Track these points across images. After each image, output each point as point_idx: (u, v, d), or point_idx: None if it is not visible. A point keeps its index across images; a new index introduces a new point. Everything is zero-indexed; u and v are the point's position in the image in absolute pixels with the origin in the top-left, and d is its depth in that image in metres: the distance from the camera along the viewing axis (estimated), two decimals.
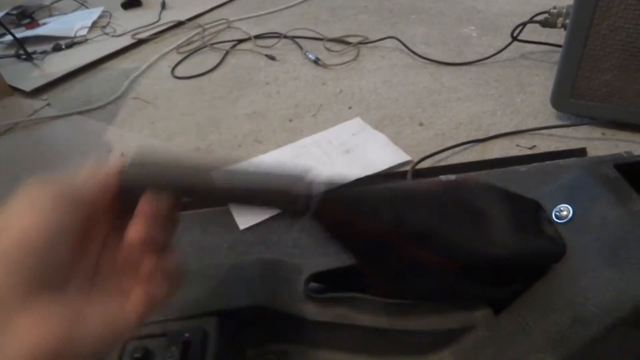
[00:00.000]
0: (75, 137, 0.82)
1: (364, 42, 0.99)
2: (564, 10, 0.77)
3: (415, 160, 0.65)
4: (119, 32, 1.16)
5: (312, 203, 0.29)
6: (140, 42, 1.12)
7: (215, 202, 0.29)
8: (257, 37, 1.07)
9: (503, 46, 0.87)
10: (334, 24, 1.09)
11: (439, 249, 0.31)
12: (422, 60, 0.91)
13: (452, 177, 0.59)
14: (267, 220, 0.58)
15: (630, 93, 0.63)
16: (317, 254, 0.53)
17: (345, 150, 0.69)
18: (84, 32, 1.18)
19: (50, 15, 1.36)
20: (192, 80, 0.94)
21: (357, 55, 0.95)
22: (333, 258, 0.40)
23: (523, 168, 0.60)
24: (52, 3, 1.44)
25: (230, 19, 1.17)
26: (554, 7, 0.78)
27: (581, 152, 0.64)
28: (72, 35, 1.16)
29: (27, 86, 0.97)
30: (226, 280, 0.37)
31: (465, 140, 0.68)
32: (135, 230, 0.27)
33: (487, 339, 0.33)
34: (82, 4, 1.40)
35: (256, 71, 0.95)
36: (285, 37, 1.05)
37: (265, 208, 0.30)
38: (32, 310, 0.22)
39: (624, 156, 0.53)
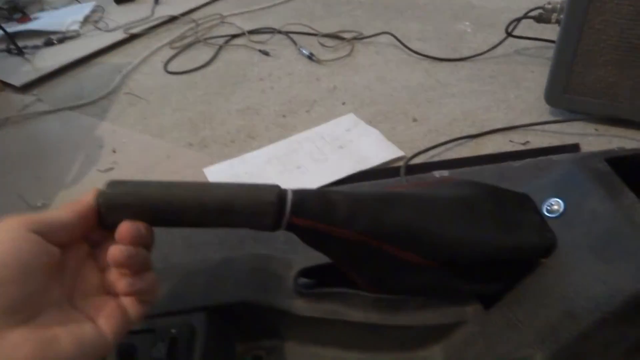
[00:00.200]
0: (66, 133, 0.81)
1: (359, 38, 0.98)
2: (559, 6, 0.77)
3: (409, 155, 0.65)
4: (111, 26, 1.15)
5: (283, 217, 0.29)
6: (132, 37, 1.11)
7: (187, 224, 0.29)
8: (251, 32, 1.06)
9: (497, 42, 0.86)
10: (328, 19, 1.09)
11: (419, 249, 0.30)
12: (416, 56, 0.90)
13: (445, 172, 0.59)
14: None
15: (624, 89, 0.63)
16: (308, 250, 0.53)
17: (339, 146, 0.69)
18: (76, 26, 1.17)
19: (42, 10, 1.34)
20: (185, 75, 0.94)
21: (352, 50, 0.95)
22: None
23: (516, 163, 0.60)
24: None
25: (224, 14, 1.16)
26: (549, 3, 0.78)
27: (574, 147, 0.64)
28: (64, 29, 1.15)
29: (18, 81, 0.96)
30: (214, 275, 0.37)
31: (459, 136, 0.68)
32: (115, 252, 0.28)
33: (477, 334, 0.33)
34: None
35: (250, 67, 0.94)
36: (279, 32, 1.04)
37: (238, 227, 0.30)
38: (4, 338, 0.23)
39: (611, 151, 0.53)
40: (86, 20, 1.21)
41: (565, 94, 0.67)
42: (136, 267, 0.28)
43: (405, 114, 0.75)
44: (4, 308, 0.23)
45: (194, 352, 0.32)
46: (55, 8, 1.35)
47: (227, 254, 0.52)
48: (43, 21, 1.22)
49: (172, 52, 1.02)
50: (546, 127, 0.69)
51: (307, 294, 0.36)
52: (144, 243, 0.29)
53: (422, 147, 0.66)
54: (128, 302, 0.29)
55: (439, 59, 0.88)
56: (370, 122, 0.73)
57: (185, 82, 0.92)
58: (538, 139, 0.67)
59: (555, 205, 0.33)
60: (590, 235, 0.31)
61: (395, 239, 0.30)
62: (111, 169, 0.71)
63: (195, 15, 1.17)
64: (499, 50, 0.87)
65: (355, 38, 0.98)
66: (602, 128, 0.67)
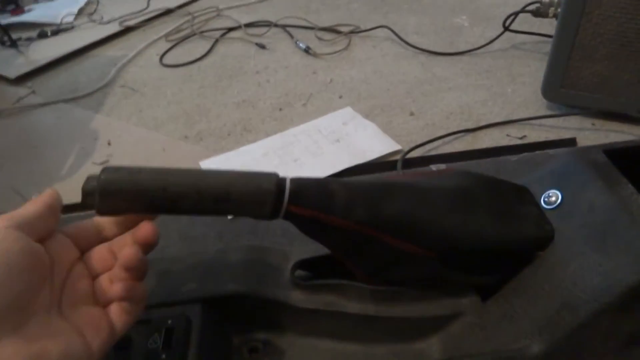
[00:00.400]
0: (61, 126, 0.80)
1: (356, 32, 0.98)
2: (556, 0, 0.76)
3: (406, 149, 0.65)
4: (106, 19, 1.14)
5: (281, 206, 0.29)
6: (128, 30, 1.10)
7: (183, 211, 0.29)
8: (247, 25, 1.05)
9: (495, 36, 0.86)
10: (325, 12, 1.08)
11: (417, 239, 0.30)
12: (413, 50, 0.90)
13: (442, 166, 0.58)
14: None
15: (621, 83, 0.63)
16: (306, 243, 0.53)
17: (336, 140, 0.68)
18: (71, 18, 1.16)
19: (36, 2, 1.33)
20: (181, 68, 0.93)
21: (349, 44, 0.95)
22: (320, 245, 0.39)
23: (513, 158, 0.60)
24: None
25: (220, 7, 1.15)
26: None
27: (571, 142, 0.64)
28: (58, 22, 1.14)
29: (12, 73, 0.94)
30: (211, 266, 0.37)
31: (455, 130, 0.68)
32: (131, 253, 0.27)
33: (474, 325, 0.33)
34: None
35: (246, 60, 0.94)
36: (276, 25, 1.03)
37: (235, 215, 0.29)
38: None
39: (609, 143, 0.53)
40: (81, 12, 1.20)
41: (562, 89, 0.67)
42: (141, 273, 0.28)
43: (402, 107, 0.75)
44: None
45: (189, 343, 0.31)
46: (50, 0, 1.33)
47: (224, 246, 0.52)
48: (37, 13, 1.21)
49: (167, 45, 1.01)
50: (543, 121, 0.69)
51: (303, 286, 0.36)
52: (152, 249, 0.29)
53: (419, 141, 0.65)
54: (115, 314, 0.28)
55: (436, 53, 0.88)
56: (367, 116, 0.73)
57: (181, 75, 0.91)
58: (535, 133, 0.67)
59: (553, 196, 0.33)
60: (588, 227, 0.31)
61: (393, 229, 0.30)
62: (106, 161, 0.70)
63: (191, 8, 1.16)
64: (496, 44, 0.87)
65: (352, 32, 0.98)
66: (599, 122, 0.67)
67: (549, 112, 0.70)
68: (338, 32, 0.99)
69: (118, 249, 0.30)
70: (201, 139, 0.73)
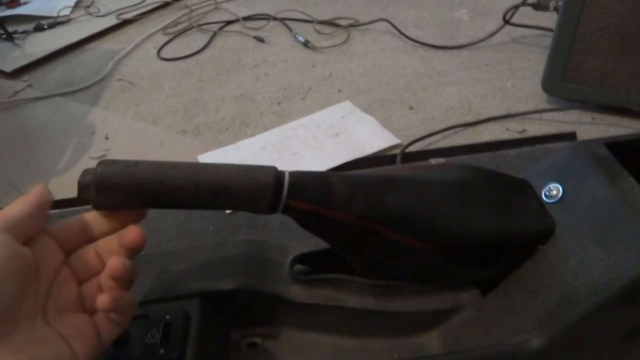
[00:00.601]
0: (57, 119, 0.80)
1: (355, 25, 0.97)
2: None
3: (405, 143, 0.64)
4: (103, 12, 1.13)
5: (280, 200, 0.28)
6: (125, 23, 1.09)
7: (181, 205, 0.28)
8: (246, 18, 1.04)
9: (495, 30, 0.86)
10: (324, 6, 1.07)
11: (417, 233, 0.30)
12: (413, 43, 0.89)
13: (441, 160, 0.58)
14: None
15: (621, 76, 0.63)
16: (304, 237, 0.53)
17: (335, 134, 0.68)
18: (67, 11, 1.15)
19: None
20: (179, 62, 0.92)
21: (348, 38, 0.94)
22: (319, 240, 0.39)
23: (513, 152, 0.60)
24: None
25: (218, 0, 1.14)
26: None
27: (571, 136, 0.64)
28: (55, 14, 1.13)
29: (8, 67, 0.94)
30: (209, 261, 0.36)
31: (455, 124, 0.67)
32: (118, 263, 0.26)
33: (474, 319, 0.33)
34: None
35: (244, 53, 0.93)
36: (275, 19, 1.03)
37: (233, 209, 0.29)
38: None
39: (611, 136, 0.53)
40: (77, 5, 1.19)
41: (562, 82, 0.67)
42: (128, 282, 0.27)
43: (402, 101, 0.75)
44: None
45: (188, 338, 0.31)
46: None
47: (222, 240, 0.51)
48: (33, 6, 1.20)
49: (165, 38, 1.00)
50: (543, 115, 0.68)
51: (302, 280, 0.36)
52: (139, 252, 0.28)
53: (419, 135, 0.65)
54: (103, 323, 0.27)
55: (436, 47, 0.87)
56: (366, 110, 0.73)
57: (179, 68, 0.90)
58: (535, 127, 0.67)
59: (554, 190, 0.33)
60: (589, 220, 0.30)
61: (392, 223, 0.30)
62: (103, 156, 0.70)
63: (189, 1, 1.15)
64: (496, 38, 0.86)
65: (351, 25, 0.97)
66: (599, 116, 0.67)
67: (548, 106, 0.70)
68: (337, 26, 0.98)
69: (104, 251, 0.28)
70: (199, 133, 0.73)
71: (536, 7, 0.78)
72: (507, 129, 0.67)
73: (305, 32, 0.96)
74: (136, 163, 0.28)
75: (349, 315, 0.35)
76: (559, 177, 0.34)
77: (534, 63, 0.80)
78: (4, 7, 1.20)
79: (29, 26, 1.09)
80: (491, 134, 0.66)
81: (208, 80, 0.86)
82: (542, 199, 0.34)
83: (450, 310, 0.34)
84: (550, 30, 0.76)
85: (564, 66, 0.66)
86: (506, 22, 0.84)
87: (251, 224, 0.54)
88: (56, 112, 0.82)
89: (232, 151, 0.67)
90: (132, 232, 0.27)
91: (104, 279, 0.27)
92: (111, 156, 0.70)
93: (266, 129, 0.71)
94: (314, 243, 0.38)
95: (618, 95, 0.64)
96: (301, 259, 0.37)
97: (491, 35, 0.86)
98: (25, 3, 1.23)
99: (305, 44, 0.92)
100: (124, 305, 0.27)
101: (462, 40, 0.88)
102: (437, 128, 0.66)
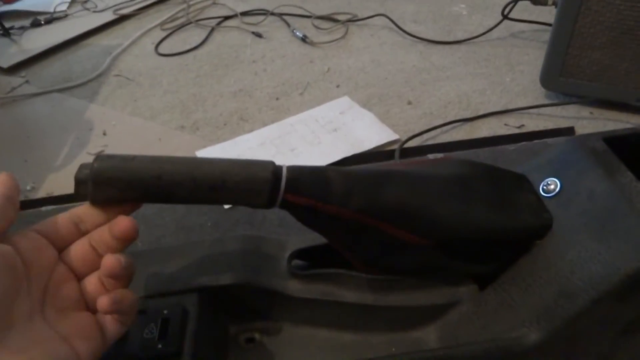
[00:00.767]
0: (55, 115, 0.80)
1: (353, 20, 0.97)
2: None
3: (403, 139, 0.64)
4: (100, 7, 1.13)
5: (277, 195, 0.28)
6: (122, 18, 1.08)
7: (178, 200, 0.28)
8: (244, 14, 1.04)
9: (493, 25, 0.85)
10: (322, 1, 1.07)
11: (414, 228, 0.30)
12: (411, 38, 0.89)
13: (440, 155, 0.58)
14: None
15: (619, 71, 0.63)
16: (303, 233, 0.53)
17: (333, 129, 0.68)
18: (64, 7, 1.14)
19: None
20: (177, 57, 0.92)
21: (346, 33, 0.94)
22: (317, 235, 0.39)
23: (511, 147, 0.60)
24: None
25: None
26: None
27: (569, 131, 0.64)
28: (52, 10, 1.12)
29: (5, 62, 0.93)
30: (207, 256, 0.36)
31: (453, 119, 0.67)
32: (112, 262, 0.25)
33: (472, 314, 0.33)
34: None
35: (242, 49, 0.93)
36: (273, 14, 1.02)
37: (230, 204, 0.29)
38: None
39: (609, 130, 0.53)
40: (74, 0, 1.18)
41: (561, 77, 0.67)
42: (126, 279, 0.27)
43: (400, 97, 0.75)
44: None
45: (186, 333, 0.31)
46: None
47: (220, 235, 0.51)
48: (30, 1, 1.19)
49: (163, 34, 1.00)
50: (541, 110, 0.68)
51: (300, 275, 0.36)
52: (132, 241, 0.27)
53: (417, 130, 0.65)
54: (107, 321, 0.27)
55: (434, 42, 0.87)
56: (364, 105, 0.73)
57: (177, 64, 0.90)
58: (533, 123, 0.67)
59: (551, 184, 0.33)
60: (587, 214, 0.30)
61: (391, 217, 0.30)
62: (101, 152, 0.70)
63: None
64: (495, 33, 0.86)
65: (349, 20, 0.97)
66: (597, 111, 0.67)
67: (547, 101, 0.70)
68: (335, 21, 0.98)
69: (98, 244, 0.27)
70: (197, 129, 0.72)
71: (535, 1, 0.78)
72: (506, 124, 0.67)
73: (304, 27, 0.96)
74: (133, 157, 0.28)
75: (347, 310, 0.35)
76: (557, 171, 0.34)
77: (532, 58, 0.80)
78: (0, 3, 1.20)
79: (26, 22, 1.08)
80: (489, 129, 0.66)
81: (206, 75, 0.85)
82: (540, 194, 0.34)
83: (447, 304, 0.34)
84: (549, 25, 0.76)
85: (563, 61, 0.65)
86: (505, 16, 0.84)
87: (249, 219, 0.54)
88: (54, 108, 0.81)
89: (230, 147, 0.67)
90: (122, 223, 0.27)
91: (102, 277, 0.27)
92: (109, 152, 0.70)
93: (264, 124, 0.71)
94: (312, 238, 0.38)
95: (616, 90, 0.64)
96: (299, 254, 0.37)
97: (490, 30, 0.86)
98: None
99: (304, 39, 0.92)
100: (126, 306, 0.27)
101: (460, 35, 0.88)
102: (436, 123, 0.66)
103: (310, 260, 0.38)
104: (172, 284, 0.35)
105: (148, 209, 0.58)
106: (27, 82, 0.89)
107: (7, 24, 1.05)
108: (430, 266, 0.33)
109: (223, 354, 0.35)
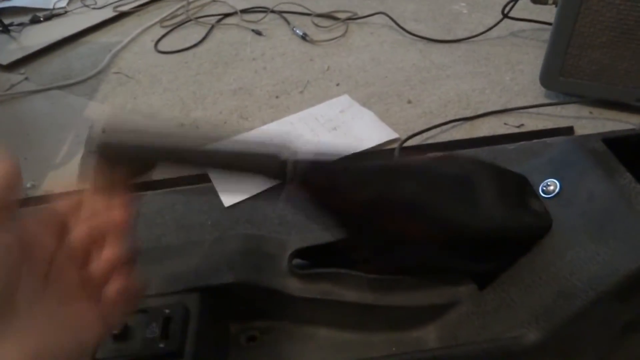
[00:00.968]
0: (55, 113, 0.79)
1: (353, 18, 0.97)
2: None
3: (403, 137, 0.64)
4: (100, 4, 1.12)
5: (299, 169, 0.28)
6: (122, 15, 1.08)
7: (196, 164, 0.28)
8: (244, 11, 1.04)
9: (493, 23, 0.85)
10: None
11: (424, 221, 0.30)
12: (411, 37, 0.89)
13: (440, 154, 0.58)
14: (252, 197, 0.57)
15: (619, 71, 0.63)
16: (303, 231, 0.53)
17: (333, 127, 0.68)
18: (63, 3, 1.14)
19: None
20: (176, 55, 0.92)
21: (346, 31, 0.94)
22: (317, 234, 0.39)
23: (511, 146, 0.60)
24: None
25: None
26: None
27: (568, 130, 0.64)
28: (51, 7, 1.12)
29: (4, 59, 0.93)
30: (208, 255, 0.36)
31: (453, 118, 0.67)
32: (113, 253, 0.25)
33: (471, 314, 0.33)
34: None
35: (242, 46, 0.92)
36: (273, 11, 1.02)
37: (251, 174, 0.28)
38: None
39: (608, 132, 0.54)
40: None
41: (561, 77, 0.67)
42: (129, 267, 0.26)
43: (400, 95, 0.75)
44: None
45: (187, 332, 0.31)
46: None
47: (220, 234, 0.51)
48: None
49: (162, 31, 0.99)
50: (541, 109, 0.68)
51: (301, 275, 0.36)
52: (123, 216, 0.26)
53: (417, 129, 0.65)
54: (108, 309, 0.26)
55: (434, 40, 0.87)
56: (364, 104, 0.73)
57: (176, 61, 0.90)
58: (532, 122, 0.67)
59: (551, 185, 0.33)
60: (586, 215, 0.31)
61: (401, 210, 0.30)
62: None
63: None
64: (495, 31, 0.86)
65: (349, 18, 0.97)
66: (597, 111, 0.67)
67: (546, 101, 0.70)
68: (335, 19, 0.97)
69: (99, 230, 0.27)
70: (197, 127, 0.72)
71: (535, 1, 0.78)
72: (505, 124, 0.67)
73: (304, 25, 0.96)
74: (145, 126, 0.27)
75: (347, 309, 0.35)
76: (557, 172, 0.34)
77: (532, 57, 0.80)
78: None
79: (25, 18, 1.08)
80: (489, 128, 0.66)
81: (206, 73, 0.85)
82: (540, 194, 0.34)
83: (447, 304, 0.34)
84: (549, 24, 0.76)
85: (563, 60, 0.66)
86: (505, 15, 0.84)
87: (249, 218, 0.55)
88: (53, 105, 0.81)
89: None
90: (123, 208, 0.26)
91: (105, 264, 0.26)
92: None
93: (264, 122, 0.71)
94: (312, 238, 0.38)
95: (616, 90, 0.64)
96: (300, 253, 0.38)
97: (490, 28, 0.86)
98: None
99: (304, 37, 0.92)
100: (131, 295, 0.26)
101: (460, 34, 0.88)
102: (436, 122, 0.66)
103: (311, 260, 0.39)
104: (173, 283, 0.35)
105: (148, 208, 0.58)
106: (26, 79, 0.88)
107: (6, 21, 1.05)
108: (433, 263, 0.33)
109: (224, 352, 0.35)
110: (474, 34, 0.86)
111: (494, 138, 0.64)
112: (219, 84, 0.82)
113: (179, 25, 1.01)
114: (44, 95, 0.84)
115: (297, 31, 0.93)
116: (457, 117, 0.68)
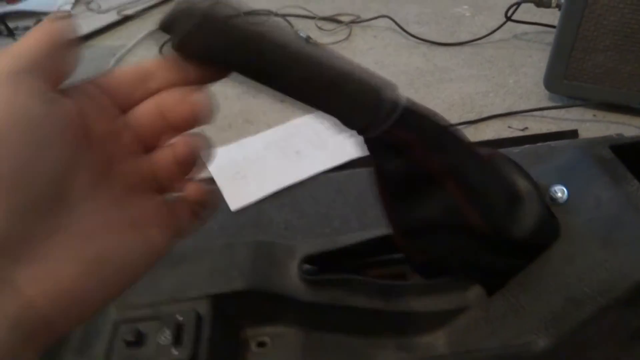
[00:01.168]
0: None
1: (356, 21, 0.97)
2: None
3: None
4: (104, 7, 1.13)
5: (396, 112, 0.26)
6: (126, 19, 1.08)
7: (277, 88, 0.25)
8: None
9: (497, 26, 0.86)
10: (325, 2, 1.07)
11: (482, 209, 0.30)
12: (415, 40, 0.89)
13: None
14: (258, 201, 0.57)
15: (623, 74, 0.63)
16: (309, 236, 0.53)
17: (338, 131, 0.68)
18: (68, 7, 1.14)
19: None
20: None
21: (349, 34, 0.94)
22: (326, 239, 0.40)
23: (515, 150, 0.60)
24: None
25: None
26: None
27: (573, 133, 0.64)
28: (55, 10, 1.12)
29: None
30: (219, 262, 0.37)
31: (457, 121, 0.68)
32: (185, 145, 0.21)
33: (480, 320, 0.33)
34: None
35: None
36: (276, 14, 1.02)
37: (345, 104, 0.26)
38: (40, 259, 0.16)
39: (615, 138, 0.54)
40: (78, 1, 1.18)
41: (565, 80, 0.67)
42: (203, 164, 0.22)
43: None
44: (21, 205, 0.15)
45: (200, 338, 0.32)
46: None
47: (228, 240, 0.52)
48: (34, 2, 1.19)
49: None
50: (545, 113, 0.69)
51: (311, 281, 0.36)
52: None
53: None
54: (181, 209, 0.22)
55: (438, 43, 0.88)
56: None
57: None
58: (537, 125, 0.67)
59: (559, 192, 0.34)
60: (594, 222, 0.31)
61: (469, 191, 0.30)
62: None
63: None
64: (498, 34, 0.86)
65: (353, 21, 0.97)
66: (601, 114, 0.67)
67: (550, 104, 0.70)
68: (339, 22, 0.98)
69: (169, 110, 0.21)
70: (201, 131, 0.73)
71: (538, 3, 0.78)
72: (510, 127, 0.67)
73: (307, 28, 0.96)
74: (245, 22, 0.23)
75: (357, 315, 0.36)
76: (564, 178, 0.34)
77: (536, 60, 0.80)
78: (4, 3, 1.20)
79: (30, 22, 1.08)
80: (493, 131, 0.67)
81: None
82: (547, 201, 0.34)
83: (456, 310, 0.34)
84: (553, 27, 0.76)
85: (566, 64, 0.66)
86: (508, 18, 0.84)
87: (255, 223, 0.55)
88: None
89: (235, 149, 0.68)
90: (199, 94, 0.22)
91: (176, 156, 0.22)
92: None
93: (269, 126, 0.71)
94: (321, 243, 0.39)
95: (620, 93, 0.65)
96: (309, 259, 0.38)
97: (493, 31, 0.86)
98: None
99: (307, 40, 0.92)
100: (210, 202, 0.23)
101: (463, 37, 0.88)
102: None
103: (321, 266, 0.39)
104: (185, 289, 0.35)
105: None
106: None
107: (11, 25, 1.06)
108: (465, 255, 0.33)
109: (235, 358, 0.36)
110: (477, 37, 0.87)
111: (499, 141, 0.64)
112: (224, 87, 0.82)
113: None
114: None
115: (301, 34, 0.93)
116: (461, 120, 0.68)
